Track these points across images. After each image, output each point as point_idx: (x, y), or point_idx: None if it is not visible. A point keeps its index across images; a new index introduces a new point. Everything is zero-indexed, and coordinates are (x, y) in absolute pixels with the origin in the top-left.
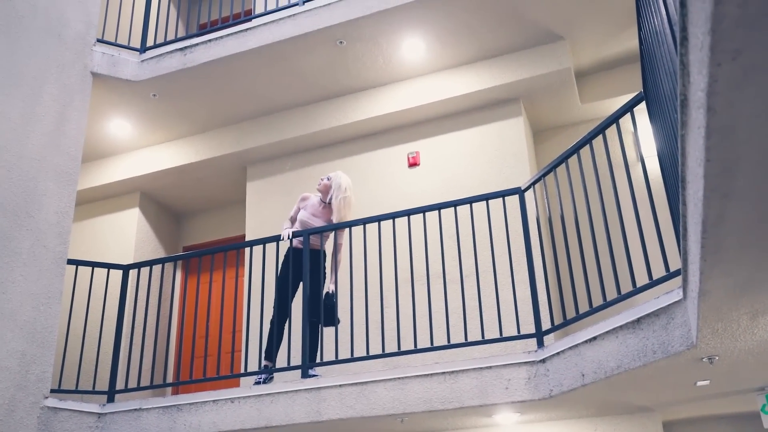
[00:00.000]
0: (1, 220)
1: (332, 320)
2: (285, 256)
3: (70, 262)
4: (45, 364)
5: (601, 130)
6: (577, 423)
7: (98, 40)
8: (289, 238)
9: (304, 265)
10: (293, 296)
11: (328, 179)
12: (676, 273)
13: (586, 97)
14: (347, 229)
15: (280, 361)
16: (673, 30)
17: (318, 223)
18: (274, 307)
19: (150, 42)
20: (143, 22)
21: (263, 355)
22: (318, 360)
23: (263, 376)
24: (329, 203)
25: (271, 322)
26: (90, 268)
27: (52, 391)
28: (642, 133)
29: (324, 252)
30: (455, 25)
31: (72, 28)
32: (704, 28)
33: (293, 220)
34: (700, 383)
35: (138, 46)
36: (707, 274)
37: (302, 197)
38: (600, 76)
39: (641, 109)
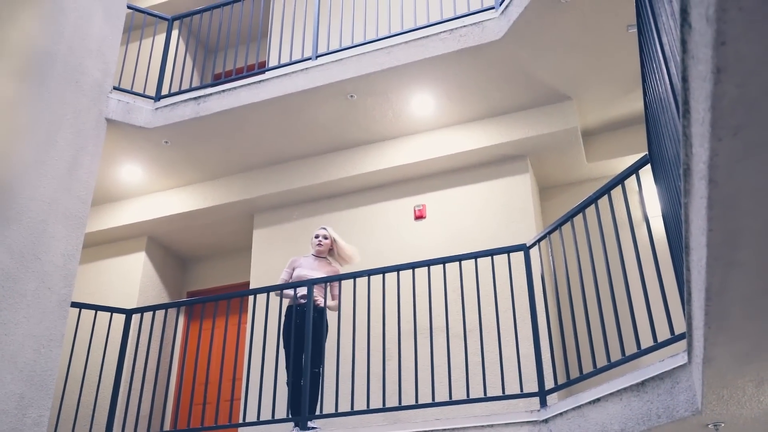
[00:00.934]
0: (8, 261)
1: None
2: (286, 315)
3: (74, 305)
4: (42, 408)
5: (606, 190)
6: None
7: (114, 88)
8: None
9: (306, 316)
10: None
11: (325, 238)
12: (682, 336)
13: (593, 156)
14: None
15: (280, 411)
16: (677, 100)
17: (319, 275)
18: (286, 366)
19: (165, 90)
20: (159, 71)
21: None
22: (318, 412)
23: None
24: (323, 257)
25: (287, 382)
26: (93, 311)
27: None
28: (647, 194)
29: (325, 310)
30: (464, 82)
31: (89, 76)
32: (705, 104)
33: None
34: None
35: (153, 94)
36: (712, 341)
37: (292, 261)
38: (606, 136)
39: (646, 171)
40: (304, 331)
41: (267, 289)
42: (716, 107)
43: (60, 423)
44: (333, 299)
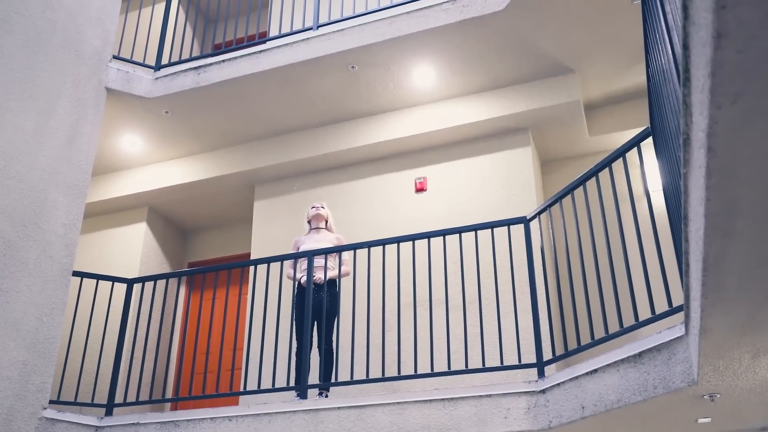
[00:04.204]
0: (9, 230)
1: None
2: (298, 289)
3: (75, 274)
4: (45, 375)
5: (607, 163)
6: None
7: (114, 57)
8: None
9: (307, 287)
10: (312, 326)
11: (322, 207)
12: (679, 308)
13: (595, 129)
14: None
15: (280, 380)
16: (678, 69)
17: (324, 246)
18: (297, 338)
19: (165, 60)
20: (159, 40)
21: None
22: (318, 381)
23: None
24: (322, 228)
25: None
26: (94, 281)
27: (51, 402)
28: (648, 168)
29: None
30: (466, 54)
31: (89, 45)
32: (705, 71)
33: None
34: (701, 420)
35: (153, 63)
36: (708, 312)
37: (295, 241)
38: (609, 109)
39: (648, 144)
40: (317, 304)
41: (267, 260)
42: (716, 74)
43: (63, 390)
44: (344, 265)
